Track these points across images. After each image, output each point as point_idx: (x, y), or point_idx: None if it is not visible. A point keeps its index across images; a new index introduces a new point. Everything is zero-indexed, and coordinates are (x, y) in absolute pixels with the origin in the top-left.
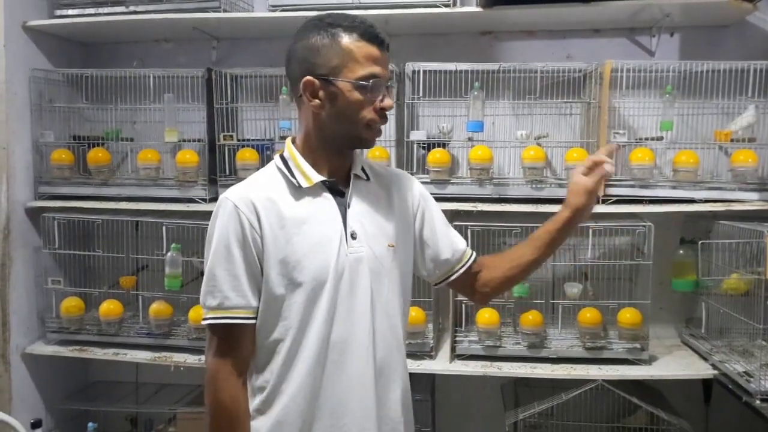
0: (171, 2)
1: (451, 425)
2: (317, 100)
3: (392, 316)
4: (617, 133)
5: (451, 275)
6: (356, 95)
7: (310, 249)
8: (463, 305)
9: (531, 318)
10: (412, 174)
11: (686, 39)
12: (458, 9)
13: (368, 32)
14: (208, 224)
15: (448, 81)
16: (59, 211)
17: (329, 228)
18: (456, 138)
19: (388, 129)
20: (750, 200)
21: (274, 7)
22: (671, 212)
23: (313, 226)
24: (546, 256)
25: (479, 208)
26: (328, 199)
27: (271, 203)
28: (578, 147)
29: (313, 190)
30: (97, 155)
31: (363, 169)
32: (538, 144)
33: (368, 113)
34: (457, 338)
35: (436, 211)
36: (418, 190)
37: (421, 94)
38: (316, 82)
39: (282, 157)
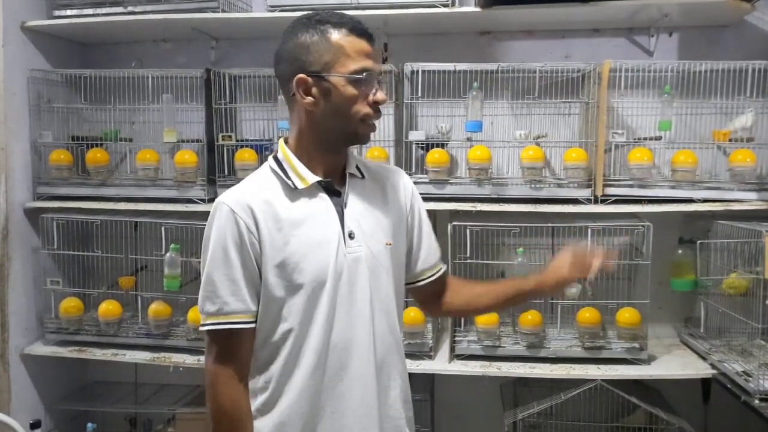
0: (169, 2)
1: (450, 425)
2: (310, 98)
3: (390, 313)
4: (616, 132)
5: (418, 281)
6: (350, 89)
7: (309, 250)
8: None
9: (530, 318)
10: (410, 174)
11: (685, 39)
12: (457, 9)
13: (357, 27)
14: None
15: (447, 81)
16: (58, 211)
17: (327, 229)
18: (455, 138)
19: (387, 129)
20: (748, 200)
21: (273, 8)
22: (670, 212)
23: (310, 227)
24: (500, 310)
25: (478, 208)
26: (324, 200)
27: (268, 206)
28: (577, 147)
29: (309, 191)
30: (95, 156)
31: (357, 168)
32: (537, 144)
33: (362, 107)
34: (456, 338)
35: (423, 212)
36: (408, 186)
37: (419, 94)
38: (309, 79)
39: (276, 159)
